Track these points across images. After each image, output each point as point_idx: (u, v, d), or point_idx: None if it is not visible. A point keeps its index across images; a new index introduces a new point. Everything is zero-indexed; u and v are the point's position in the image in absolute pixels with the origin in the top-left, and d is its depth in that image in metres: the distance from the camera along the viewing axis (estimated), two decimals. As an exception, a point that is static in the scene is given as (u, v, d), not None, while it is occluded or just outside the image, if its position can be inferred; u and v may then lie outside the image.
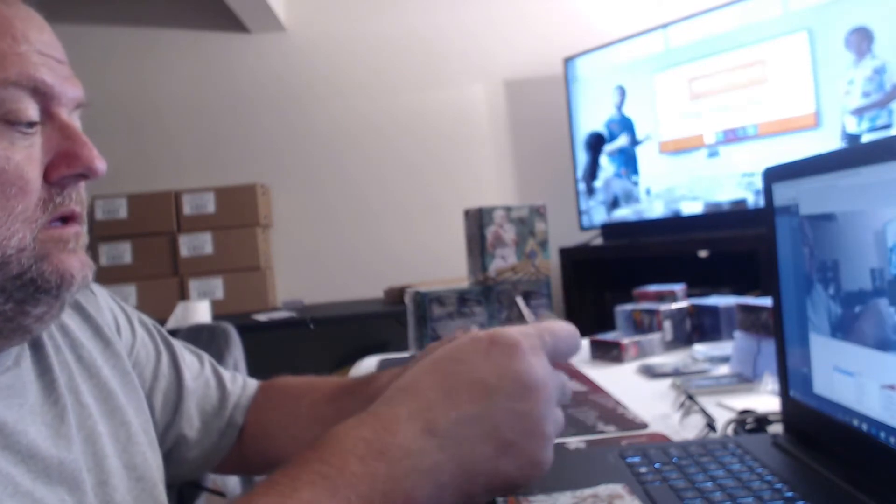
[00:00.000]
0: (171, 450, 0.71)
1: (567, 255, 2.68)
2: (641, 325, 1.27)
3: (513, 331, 0.45)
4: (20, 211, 0.47)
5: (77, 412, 0.55)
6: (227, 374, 0.78)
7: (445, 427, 0.42)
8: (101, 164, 0.51)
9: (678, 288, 1.31)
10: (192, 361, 0.75)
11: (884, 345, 0.49)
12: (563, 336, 0.47)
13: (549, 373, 0.44)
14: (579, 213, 2.85)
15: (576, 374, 1.07)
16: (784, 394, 0.65)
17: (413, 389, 0.44)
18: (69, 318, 0.61)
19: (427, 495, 0.40)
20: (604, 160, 2.79)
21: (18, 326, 0.50)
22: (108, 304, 0.68)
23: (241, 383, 0.78)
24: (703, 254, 2.29)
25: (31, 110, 0.49)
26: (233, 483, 1.68)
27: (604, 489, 0.52)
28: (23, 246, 0.47)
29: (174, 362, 0.72)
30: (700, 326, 1.27)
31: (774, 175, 0.64)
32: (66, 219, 0.51)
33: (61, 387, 0.55)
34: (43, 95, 0.50)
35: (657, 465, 0.57)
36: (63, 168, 0.50)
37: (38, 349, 0.56)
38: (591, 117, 2.80)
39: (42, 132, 0.50)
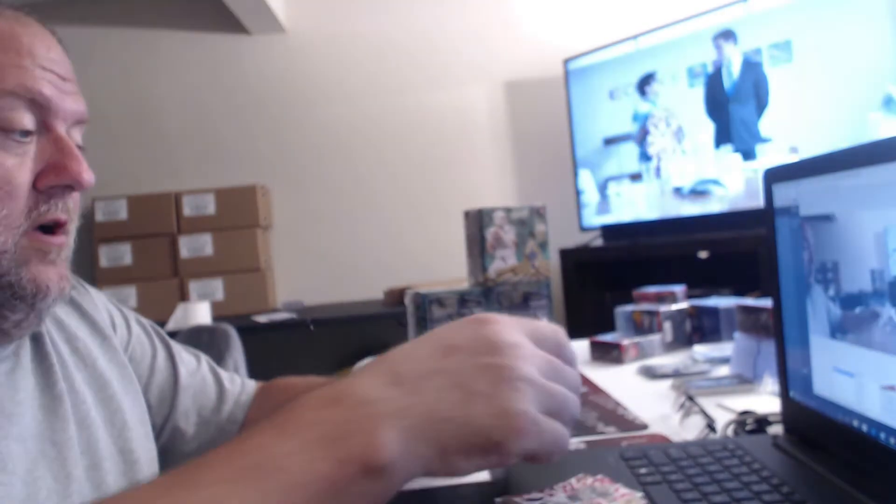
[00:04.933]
0: (168, 443, 0.72)
1: (567, 256, 2.68)
2: (641, 326, 1.27)
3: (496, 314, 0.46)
4: (4, 216, 0.49)
5: (72, 398, 0.57)
6: (224, 374, 0.79)
7: (410, 378, 0.41)
8: (88, 177, 0.53)
9: (678, 289, 1.31)
10: (188, 359, 0.77)
11: (884, 345, 0.49)
12: (546, 331, 0.47)
13: (525, 342, 0.44)
14: (579, 213, 2.85)
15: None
16: (784, 395, 0.65)
17: (382, 359, 0.44)
18: (65, 315, 0.63)
19: (393, 440, 0.38)
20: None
21: None
22: (103, 303, 0.70)
23: (239, 383, 0.80)
24: (703, 255, 2.29)
25: (27, 120, 0.51)
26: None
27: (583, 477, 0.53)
28: (3, 249, 0.49)
29: (170, 358, 0.74)
30: (700, 327, 1.27)
31: (775, 175, 0.64)
32: (52, 228, 0.53)
33: (57, 373, 0.57)
34: (41, 107, 0.51)
35: (657, 466, 0.57)
36: (52, 177, 0.52)
37: (36, 339, 0.58)
38: (590, 118, 2.80)
39: (37, 142, 0.52)
